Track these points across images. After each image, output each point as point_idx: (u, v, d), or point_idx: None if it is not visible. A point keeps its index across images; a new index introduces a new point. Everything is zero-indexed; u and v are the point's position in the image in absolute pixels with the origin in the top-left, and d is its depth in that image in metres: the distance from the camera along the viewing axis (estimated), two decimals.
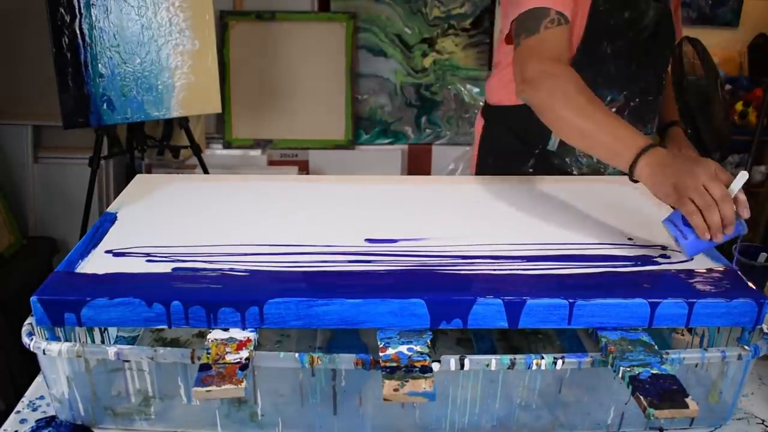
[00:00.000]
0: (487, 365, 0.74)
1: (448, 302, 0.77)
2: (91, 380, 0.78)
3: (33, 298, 0.76)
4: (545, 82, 1.03)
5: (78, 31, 1.84)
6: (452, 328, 0.78)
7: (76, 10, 1.83)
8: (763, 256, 1.12)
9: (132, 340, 0.93)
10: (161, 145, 2.44)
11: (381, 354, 0.73)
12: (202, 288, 0.78)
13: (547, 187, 1.16)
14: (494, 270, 0.84)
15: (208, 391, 0.67)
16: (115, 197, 1.07)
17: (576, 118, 0.96)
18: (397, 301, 0.76)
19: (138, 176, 1.16)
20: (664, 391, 0.68)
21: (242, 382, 0.68)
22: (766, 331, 0.80)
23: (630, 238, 0.94)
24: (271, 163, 2.82)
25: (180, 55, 1.99)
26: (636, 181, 0.91)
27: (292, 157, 2.83)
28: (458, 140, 2.87)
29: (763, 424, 0.85)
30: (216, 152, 2.79)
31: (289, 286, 0.79)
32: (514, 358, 0.74)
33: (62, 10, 1.81)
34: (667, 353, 0.75)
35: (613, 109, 1.29)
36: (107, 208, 1.02)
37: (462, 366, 0.74)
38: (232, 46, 2.72)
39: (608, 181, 1.22)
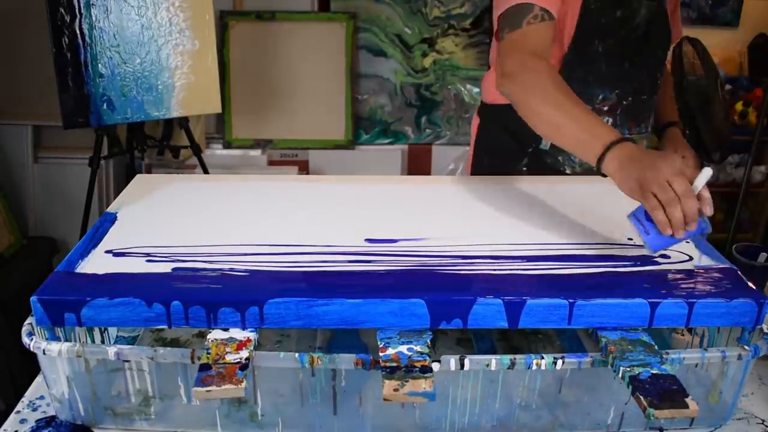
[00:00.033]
0: (487, 365, 0.74)
1: (448, 302, 0.77)
2: (91, 380, 0.78)
3: (33, 298, 0.76)
4: (522, 76, 1.03)
5: (78, 31, 1.84)
6: (452, 328, 0.78)
7: (76, 10, 1.83)
8: (763, 256, 1.13)
9: (132, 340, 0.93)
10: (161, 145, 2.44)
11: (381, 354, 0.73)
12: (202, 288, 0.78)
13: (547, 187, 1.16)
14: (494, 270, 0.84)
15: (208, 391, 0.67)
16: (115, 197, 1.07)
17: (550, 112, 0.97)
18: (397, 301, 0.76)
19: (138, 176, 1.16)
20: (664, 391, 0.68)
21: (242, 382, 0.68)
22: (766, 331, 0.80)
23: (630, 238, 0.94)
24: (271, 163, 2.82)
25: (180, 55, 1.99)
26: (605, 176, 0.91)
27: (292, 157, 2.83)
28: (458, 140, 2.87)
29: (763, 424, 0.85)
30: (216, 152, 2.79)
31: (289, 286, 0.79)
32: (514, 358, 0.74)
33: (62, 10, 1.81)
34: (667, 353, 0.75)
35: (605, 108, 1.29)
36: (107, 208, 1.02)
37: (462, 366, 0.74)
38: (232, 46, 2.72)
39: (608, 181, 1.22)
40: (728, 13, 2.89)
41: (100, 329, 0.89)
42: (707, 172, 0.82)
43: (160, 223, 0.97)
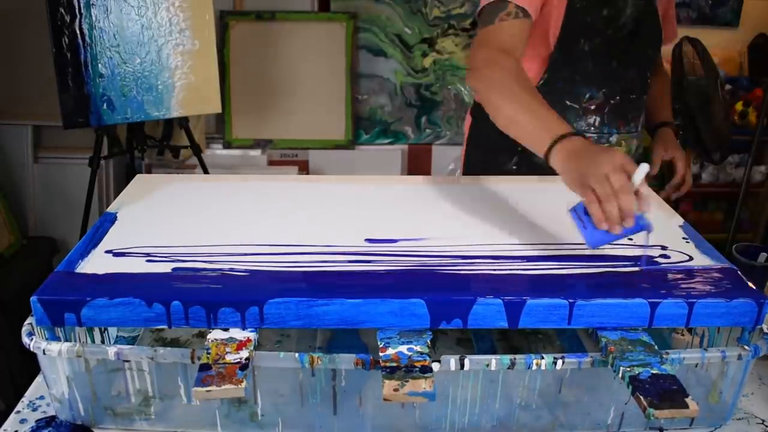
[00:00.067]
0: (487, 365, 0.74)
1: (448, 302, 0.77)
2: (91, 380, 0.78)
3: (33, 298, 0.76)
4: (486, 72, 1.05)
5: (78, 31, 1.84)
6: (452, 328, 0.78)
7: (76, 10, 1.83)
8: (763, 256, 1.13)
9: (132, 340, 0.93)
10: (161, 145, 2.44)
11: (381, 354, 0.73)
12: (202, 288, 0.78)
13: (547, 187, 1.16)
14: (494, 270, 0.84)
15: (208, 391, 0.67)
16: (115, 197, 1.07)
17: (508, 106, 0.98)
18: (397, 301, 0.76)
19: (138, 176, 1.16)
20: (664, 391, 0.68)
21: (242, 382, 0.68)
22: (766, 331, 0.80)
23: (630, 238, 0.94)
24: (271, 163, 2.82)
25: (180, 55, 1.99)
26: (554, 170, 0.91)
27: (292, 157, 2.83)
28: (458, 140, 2.87)
29: (763, 424, 0.85)
30: (216, 152, 2.79)
31: (289, 286, 0.79)
32: (514, 358, 0.74)
33: (62, 10, 1.81)
34: (667, 353, 0.75)
35: (593, 107, 1.29)
36: (107, 208, 1.02)
37: (462, 366, 0.74)
38: (232, 46, 2.72)
39: None
40: (728, 13, 2.89)
41: (100, 329, 0.89)
42: (644, 168, 0.80)
43: (160, 223, 0.97)
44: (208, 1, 2.03)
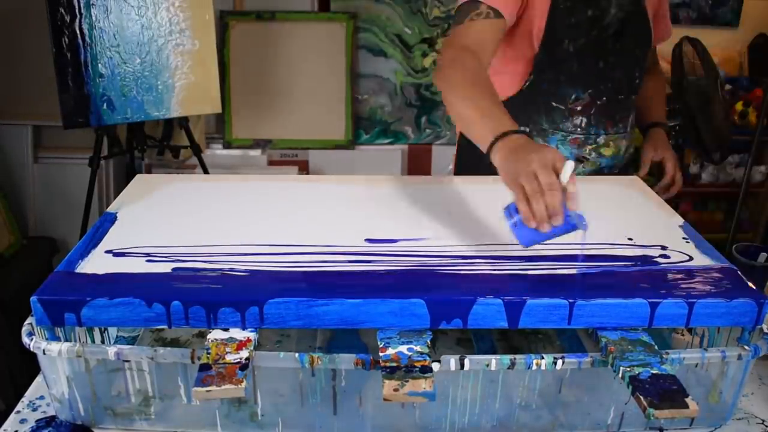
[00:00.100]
0: (487, 365, 0.74)
1: (448, 302, 0.77)
2: (91, 380, 0.78)
3: (33, 298, 0.76)
4: (448, 71, 1.06)
5: (78, 31, 1.84)
6: (452, 328, 0.78)
7: (76, 10, 1.83)
8: (763, 256, 1.12)
9: (132, 340, 0.93)
10: (161, 145, 2.44)
11: (381, 354, 0.73)
12: (202, 288, 0.78)
13: None
14: (494, 270, 0.84)
15: (208, 391, 0.67)
16: (115, 197, 1.07)
17: (461, 105, 0.98)
18: (397, 301, 0.76)
19: (138, 176, 1.16)
20: (664, 391, 0.68)
21: (242, 382, 0.68)
22: (766, 331, 0.80)
23: (630, 238, 0.94)
24: (271, 163, 2.82)
25: (180, 55, 1.99)
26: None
27: (292, 157, 2.83)
28: None
29: (763, 424, 0.85)
30: (216, 152, 2.79)
31: (289, 286, 0.79)
32: (514, 358, 0.74)
33: (62, 10, 1.81)
34: (667, 353, 0.75)
35: (579, 108, 1.28)
36: (107, 208, 1.02)
37: (462, 366, 0.74)
38: (232, 46, 2.72)
39: (608, 181, 1.22)
40: (728, 13, 2.89)
41: (100, 329, 0.89)
42: (570, 165, 0.80)
43: (160, 223, 0.97)
44: (208, 1, 2.03)
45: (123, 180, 2.59)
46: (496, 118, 0.93)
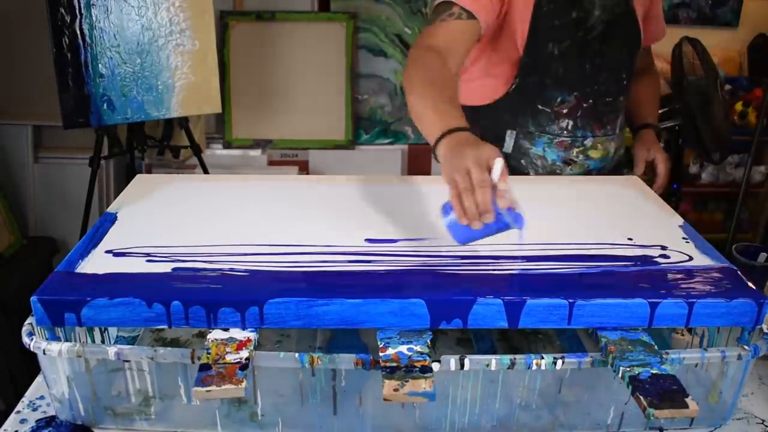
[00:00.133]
0: (487, 365, 0.74)
1: (448, 302, 0.77)
2: (91, 380, 0.78)
3: (33, 298, 0.76)
4: (411, 70, 1.06)
5: (78, 32, 1.84)
6: (452, 328, 0.78)
7: (77, 11, 1.83)
8: (763, 256, 1.12)
9: (132, 340, 0.93)
10: (161, 145, 2.44)
11: (381, 354, 0.73)
12: (202, 288, 0.78)
13: (546, 186, 1.16)
14: (494, 270, 0.84)
15: (208, 391, 0.67)
16: (115, 197, 1.07)
17: (417, 103, 0.99)
18: (397, 301, 0.76)
19: (138, 176, 1.16)
20: (664, 391, 0.68)
21: (242, 382, 0.68)
22: (766, 331, 0.80)
23: (630, 238, 0.94)
24: (271, 163, 2.82)
25: (180, 55, 1.99)
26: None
27: (292, 157, 2.83)
28: None
29: (763, 424, 0.85)
30: (216, 152, 2.79)
31: (289, 286, 0.79)
32: (514, 358, 0.74)
33: (62, 10, 1.81)
34: (667, 353, 0.75)
35: (564, 111, 1.28)
36: (107, 208, 1.02)
37: (462, 366, 0.74)
38: (232, 46, 2.72)
39: (608, 181, 1.22)
40: (728, 13, 2.89)
41: (100, 329, 0.89)
42: (499, 163, 0.79)
43: (160, 223, 0.97)
44: (208, 1, 2.03)
45: (123, 180, 2.59)
46: (447, 115, 0.93)
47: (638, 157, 1.37)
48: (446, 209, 0.84)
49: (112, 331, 0.93)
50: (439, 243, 0.90)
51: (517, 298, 0.77)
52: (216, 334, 0.75)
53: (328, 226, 0.96)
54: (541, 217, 1.01)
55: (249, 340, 0.74)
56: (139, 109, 1.96)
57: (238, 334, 0.75)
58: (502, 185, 0.79)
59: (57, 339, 0.80)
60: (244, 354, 0.72)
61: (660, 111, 1.76)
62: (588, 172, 1.33)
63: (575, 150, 1.30)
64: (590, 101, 1.29)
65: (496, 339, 0.97)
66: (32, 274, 2.32)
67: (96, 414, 0.81)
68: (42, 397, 0.85)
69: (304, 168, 2.83)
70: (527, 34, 1.23)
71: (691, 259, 0.89)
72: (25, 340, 0.75)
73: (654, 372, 0.71)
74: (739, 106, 2.72)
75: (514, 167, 1.33)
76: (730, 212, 2.66)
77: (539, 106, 1.28)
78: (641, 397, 0.67)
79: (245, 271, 0.82)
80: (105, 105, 1.91)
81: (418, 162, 2.91)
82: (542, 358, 0.74)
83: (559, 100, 1.27)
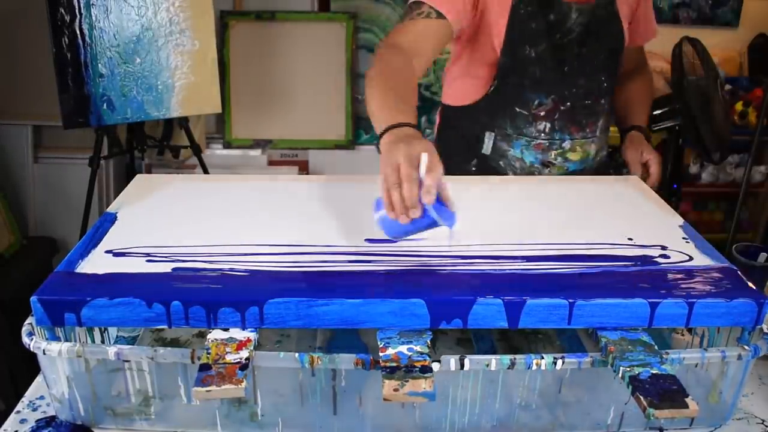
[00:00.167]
0: (487, 365, 0.74)
1: (448, 302, 0.77)
2: (91, 380, 0.78)
3: (33, 298, 0.76)
4: (373, 69, 1.07)
5: (78, 31, 1.84)
6: (452, 328, 0.78)
7: (76, 10, 1.83)
8: (763, 256, 1.12)
9: (132, 340, 0.93)
10: (161, 145, 2.44)
11: (381, 354, 0.73)
12: (202, 288, 0.78)
13: (547, 186, 1.16)
14: (494, 270, 0.84)
15: (208, 391, 0.67)
16: (115, 197, 1.07)
17: (370, 97, 1.00)
18: (397, 301, 0.76)
19: (138, 176, 1.16)
20: (664, 391, 0.68)
21: (242, 382, 0.68)
22: (766, 331, 0.80)
23: (630, 238, 0.94)
24: (271, 163, 2.82)
25: (180, 55, 1.99)
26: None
27: (292, 157, 2.83)
28: None
29: (763, 424, 0.85)
30: (216, 152, 2.79)
31: (289, 286, 0.79)
32: (514, 358, 0.74)
33: (62, 10, 1.81)
34: (667, 353, 0.75)
35: (542, 113, 1.28)
36: (107, 208, 1.02)
37: (462, 366, 0.74)
38: (232, 46, 2.72)
39: (608, 180, 1.22)
40: (728, 13, 2.89)
41: (100, 329, 0.89)
42: (423, 159, 0.79)
43: (160, 223, 0.97)
44: (208, 1, 2.03)
45: (123, 180, 2.59)
46: (394, 110, 0.93)
47: (632, 160, 1.35)
48: (378, 204, 0.84)
49: (112, 331, 0.93)
50: (439, 243, 0.90)
51: (517, 298, 0.77)
52: (216, 334, 0.75)
53: (328, 226, 0.96)
54: (540, 217, 1.02)
55: (249, 340, 0.74)
56: (139, 109, 1.96)
57: (238, 334, 0.75)
58: (428, 181, 0.78)
59: (57, 339, 0.80)
60: (244, 354, 0.72)
61: (660, 111, 1.76)
62: (568, 174, 1.33)
63: (553, 152, 1.31)
64: (568, 104, 1.28)
65: (496, 339, 0.97)
66: (32, 274, 2.32)
67: (96, 414, 0.81)
68: (42, 397, 0.85)
69: (304, 168, 2.83)
70: (504, 37, 1.22)
71: (691, 259, 0.89)
72: (25, 340, 0.75)
73: (654, 372, 0.71)
74: (739, 106, 2.72)
75: (494, 168, 1.34)
76: (730, 212, 2.66)
77: (517, 109, 1.28)
78: (641, 397, 0.67)
79: (245, 271, 0.82)
80: (105, 105, 1.91)
81: None
82: (542, 358, 0.74)
83: (536, 102, 1.27)
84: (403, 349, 0.74)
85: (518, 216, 1.02)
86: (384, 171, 0.81)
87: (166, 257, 0.85)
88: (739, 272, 0.85)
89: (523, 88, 1.26)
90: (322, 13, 2.75)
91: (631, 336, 0.77)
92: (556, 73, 1.26)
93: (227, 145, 2.79)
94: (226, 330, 0.76)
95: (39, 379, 0.88)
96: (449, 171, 1.37)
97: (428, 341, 0.76)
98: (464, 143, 1.36)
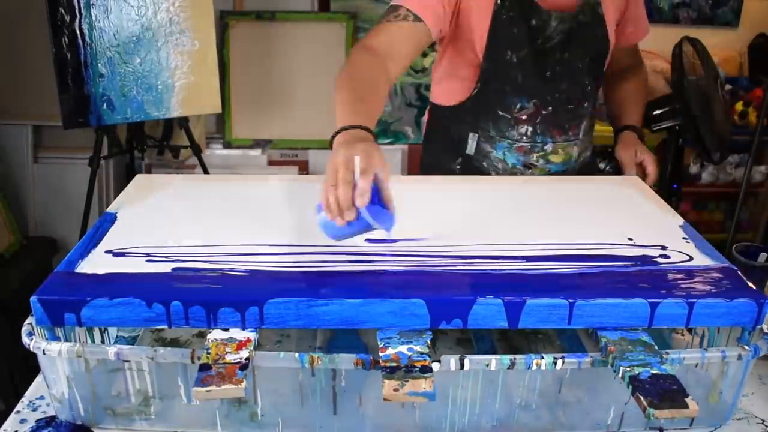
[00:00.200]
0: (487, 365, 0.74)
1: (448, 302, 0.77)
2: (91, 380, 0.78)
3: (33, 298, 0.76)
4: (344, 70, 1.07)
5: (78, 31, 1.84)
6: (452, 328, 0.78)
7: (76, 10, 1.83)
8: (763, 256, 1.12)
9: (132, 340, 0.93)
10: (161, 145, 2.44)
11: (381, 354, 0.73)
12: (202, 288, 0.78)
13: (546, 186, 1.16)
14: (494, 270, 0.84)
15: (208, 391, 0.67)
16: (115, 197, 1.07)
17: (337, 101, 1.00)
18: (397, 301, 0.76)
19: (138, 176, 1.16)
20: (664, 391, 0.68)
21: (242, 382, 0.68)
22: (766, 331, 0.80)
23: (630, 238, 0.94)
24: (271, 163, 2.82)
25: (180, 55, 1.99)
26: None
27: (292, 157, 2.83)
28: None
29: (763, 424, 0.85)
30: (216, 152, 2.79)
31: (289, 286, 0.79)
32: (514, 358, 0.74)
33: (62, 10, 1.81)
34: (667, 353, 0.75)
35: (524, 117, 1.28)
36: (107, 208, 1.02)
37: (462, 366, 0.74)
38: (232, 46, 2.72)
39: (608, 181, 1.22)
40: (728, 13, 2.89)
41: (100, 329, 0.89)
42: (356, 161, 0.79)
43: (160, 223, 0.97)
44: (208, 1, 2.03)
45: (123, 180, 2.59)
46: (351, 112, 0.94)
47: (626, 160, 1.35)
48: (320, 206, 0.84)
49: (112, 331, 0.93)
50: (439, 243, 0.90)
51: (517, 298, 0.77)
52: (216, 334, 0.75)
53: None
54: (540, 217, 1.02)
55: (249, 340, 0.74)
56: (139, 109, 1.96)
57: (238, 334, 0.75)
58: (360, 183, 0.78)
59: (57, 339, 0.80)
60: (244, 354, 0.72)
61: (660, 111, 1.76)
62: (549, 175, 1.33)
63: (535, 155, 1.31)
64: (550, 108, 1.28)
65: (496, 339, 0.97)
66: (32, 274, 2.32)
67: (96, 414, 0.81)
68: (42, 397, 0.85)
69: (304, 168, 2.83)
70: (486, 42, 1.22)
71: (691, 259, 0.89)
72: (25, 340, 0.75)
73: (654, 372, 0.71)
74: (739, 106, 2.72)
75: (477, 168, 1.34)
76: (730, 212, 2.66)
77: (499, 112, 1.28)
78: (641, 397, 0.67)
79: (245, 271, 0.82)
80: (105, 105, 1.91)
81: (418, 162, 2.90)
82: (542, 358, 0.74)
83: (518, 106, 1.27)
84: (403, 349, 0.74)
85: (518, 216, 1.02)
86: (327, 172, 0.81)
87: (166, 257, 0.85)
88: (739, 272, 0.85)
89: (504, 92, 1.27)
90: (322, 13, 2.75)
91: (631, 336, 0.77)
92: (538, 78, 1.26)
93: (227, 145, 2.79)
94: (226, 330, 0.76)
95: (39, 379, 0.88)
96: (437, 169, 1.37)
97: (428, 341, 0.76)
98: (450, 142, 1.36)
